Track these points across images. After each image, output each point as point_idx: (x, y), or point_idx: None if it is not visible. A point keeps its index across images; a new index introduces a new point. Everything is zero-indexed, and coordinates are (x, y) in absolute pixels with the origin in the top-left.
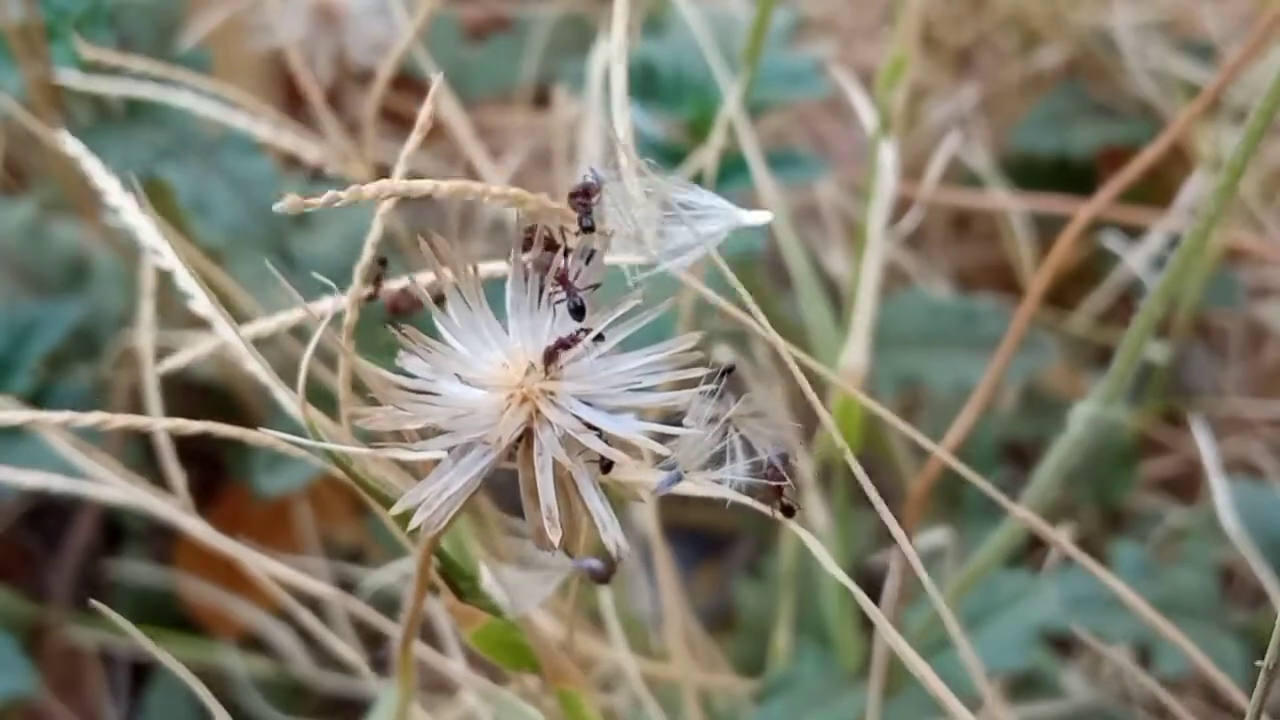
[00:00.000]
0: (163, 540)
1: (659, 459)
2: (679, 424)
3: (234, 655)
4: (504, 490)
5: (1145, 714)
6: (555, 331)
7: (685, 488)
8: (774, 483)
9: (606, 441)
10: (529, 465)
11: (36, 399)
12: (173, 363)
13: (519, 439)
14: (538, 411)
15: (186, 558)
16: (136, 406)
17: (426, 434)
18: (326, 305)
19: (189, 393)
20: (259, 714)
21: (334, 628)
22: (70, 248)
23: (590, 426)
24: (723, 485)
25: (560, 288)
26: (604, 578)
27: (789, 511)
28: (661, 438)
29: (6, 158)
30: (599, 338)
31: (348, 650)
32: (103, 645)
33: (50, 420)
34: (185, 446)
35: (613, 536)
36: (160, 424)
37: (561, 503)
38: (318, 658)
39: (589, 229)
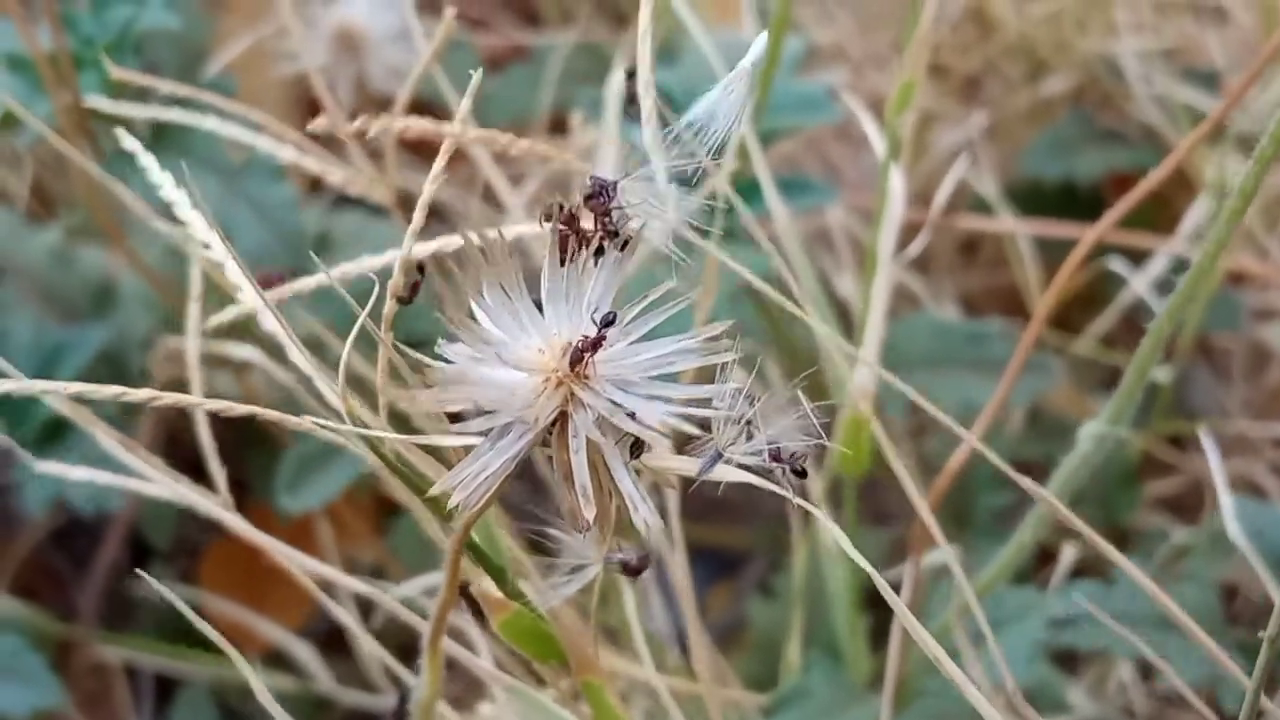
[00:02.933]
0: (188, 560)
1: (686, 444)
2: (708, 408)
3: (258, 670)
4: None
5: None
6: (590, 317)
7: (724, 470)
8: (799, 457)
9: (640, 424)
10: (564, 447)
11: (63, 421)
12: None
13: (554, 422)
14: (572, 394)
15: (211, 576)
16: (165, 428)
17: (460, 420)
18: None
19: (212, 415)
20: None
21: (355, 644)
22: (96, 273)
23: (624, 409)
24: (760, 456)
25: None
26: (637, 570)
27: (802, 474)
28: (693, 420)
29: (34, 185)
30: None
31: (376, 647)
32: (128, 661)
33: (99, 393)
34: (206, 468)
35: (644, 516)
36: (205, 404)
37: (594, 484)
38: (338, 674)
39: (615, 233)
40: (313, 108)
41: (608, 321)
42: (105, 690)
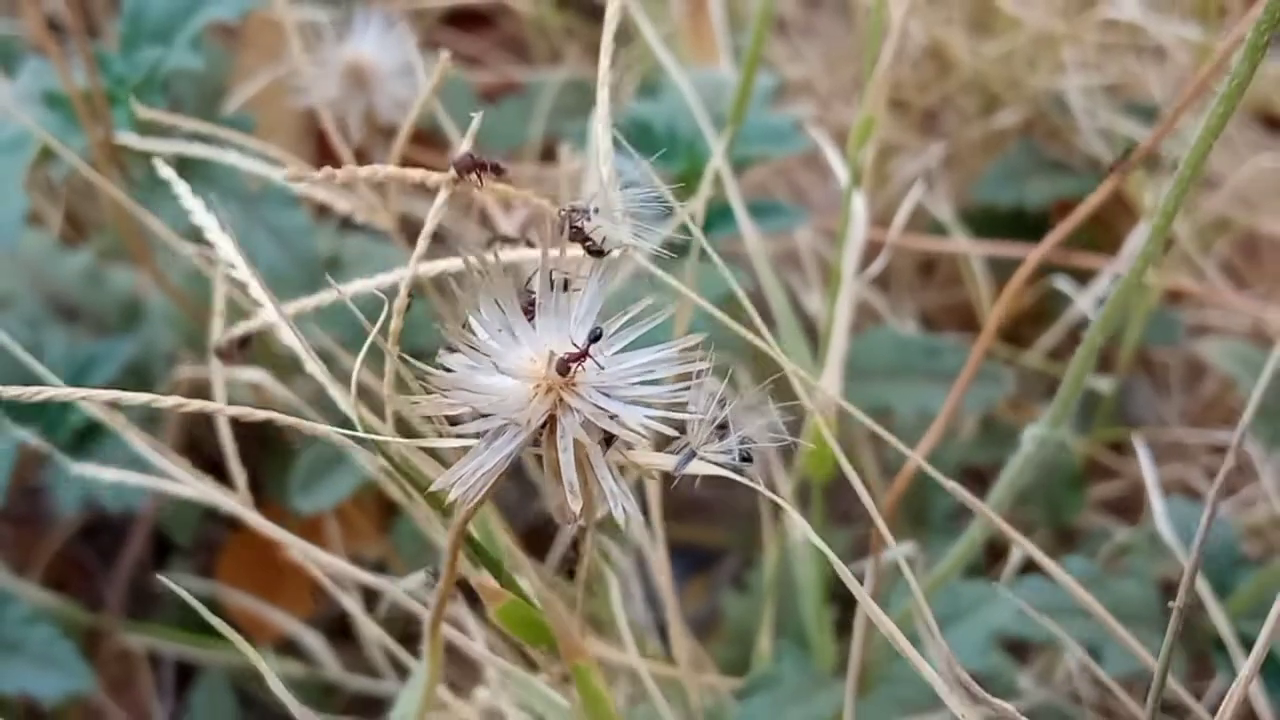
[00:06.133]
0: (206, 555)
1: (665, 443)
2: (684, 412)
3: (270, 658)
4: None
5: (1093, 713)
6: (577, 330)
7: (698, 466)
8: (770, 445)
9: (622, 426)
10: (553, 447)
11: (93, 429)
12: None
13: (544, 424)
14: (561, 399)
15: (227, 570)
16: (187, 434)
17: (459, 424)
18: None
19: (231, 421)
20: (291, 712)
21: (361, 634)
22: (125, 291)
23: (607, 413)
24: (730, 455)
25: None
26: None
27: (748, 459)
28: (671, 422)
29: (67, 210)
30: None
31: (381, 635)
32: (152, 649)
33: (133, 400)
34: (225, 470)
35: (623, 508)
36: (226, 410)
37: (580, 480)
38: (345, 662)
39: (597, 252)
40: (324, 138)
41: (594, 338)
42: (130, 676)
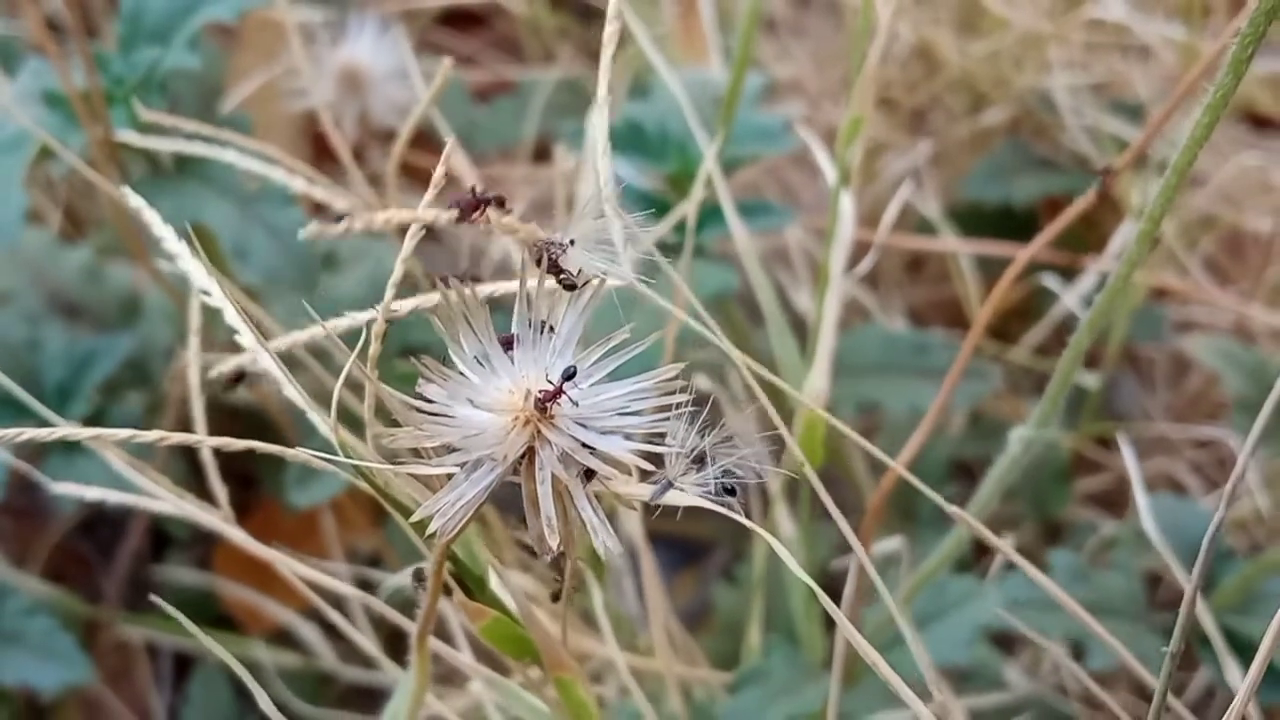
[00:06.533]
0: (203, 548)
1: (645, 473)
2: (663, 443)
3: (265, 650)
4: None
5: (1079, 705)
6: (555, 362)
7: (674, 496)
8: (747, 481)
9: (600, 458)
10: (531, 479)
11: (93, 422)
12: (221, 369)
13: (523, 456)
14: (539, 432)
15: (224, 563)
16: (184, 428)
17: (441, 452)
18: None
19: (227, 416)
20: (286, 703)
21: (355, 625)
22: (123, 288)
23: (585, 445)
24: (707, 488)
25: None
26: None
27: (731, 491)
28: (649, 455)
29: (67, 208)
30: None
31: (368, 644)
32: (150, 641)
33: (113, 436)
34: (223, 464)
35: (603, 541)
36: (209, 441)
37: (559, 512)
38: (340, 652)
39: (571, 285)
40: (320, 138)
41: (568, 375)
42: (128, 667)
